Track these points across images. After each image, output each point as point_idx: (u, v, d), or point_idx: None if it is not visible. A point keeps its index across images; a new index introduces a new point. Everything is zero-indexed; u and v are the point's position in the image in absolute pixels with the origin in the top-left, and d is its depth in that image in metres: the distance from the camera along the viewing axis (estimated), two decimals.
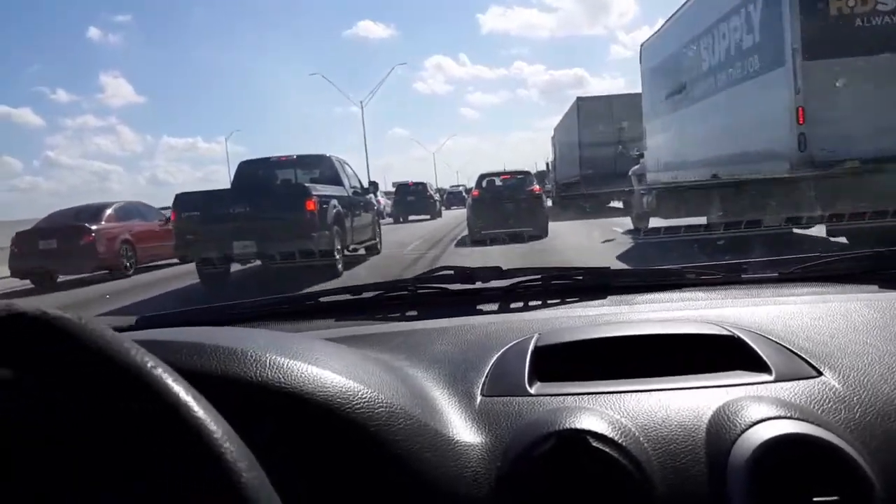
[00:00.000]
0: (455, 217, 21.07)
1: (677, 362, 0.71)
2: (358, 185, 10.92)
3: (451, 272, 1.16)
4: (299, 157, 10.38)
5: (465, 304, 1.04)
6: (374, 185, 11.39)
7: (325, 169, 9.84)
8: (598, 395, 0.66)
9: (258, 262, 8.32)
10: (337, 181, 9.63)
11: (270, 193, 8.34)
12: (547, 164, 26.09)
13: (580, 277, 1.11)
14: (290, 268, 7.96)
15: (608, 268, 1.18)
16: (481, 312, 1.02)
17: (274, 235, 7.55)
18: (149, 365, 0.38)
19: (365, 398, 0.58)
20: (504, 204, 11.58)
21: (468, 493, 0.57)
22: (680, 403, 0.64)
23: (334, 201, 8.71)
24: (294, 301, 1.15)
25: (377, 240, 11.25)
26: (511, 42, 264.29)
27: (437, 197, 26.97)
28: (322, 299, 1.11)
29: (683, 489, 0.57)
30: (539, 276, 1.10)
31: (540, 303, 1.04)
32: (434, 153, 75.66)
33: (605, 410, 0.63)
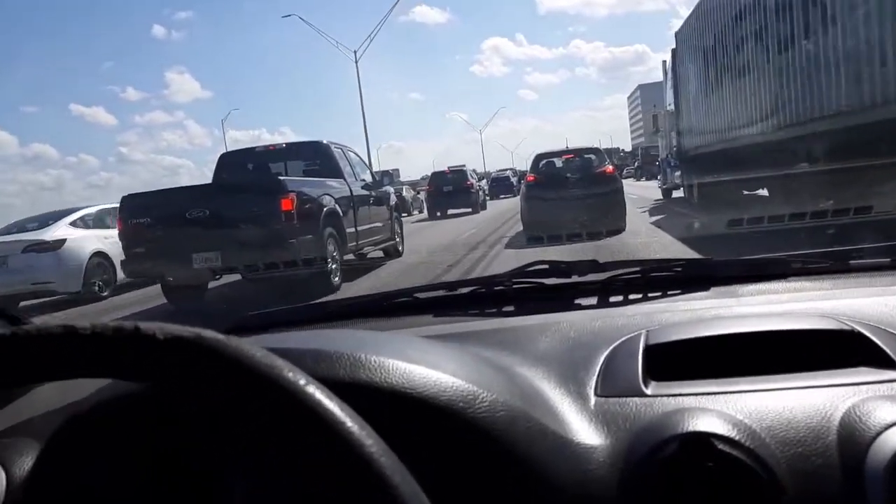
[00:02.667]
0: (501, 211, 19.13)
1: (793, 358, 0.71)
2: (368, 177, 9.66)
3: (547, 266, 1.19)
4: (289, 145, 9.16)
5: (563, 298, 1.07)
6: (387, 176, 10.08)
7: (319, 158, 8.57)
8: (717, 395, 0.66)
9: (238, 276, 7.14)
10: (335, 172, 8.35)
11: (237, 192, 6.96)
12: (656, 121, 17.71)
13: (680, 269, 1.12)
14: (276, 281, 6.77)
15: (710, 258, 1.22)
16: (580, 307, 1.03)
17: (242, 244, 6.28)
18: (317, 395, 0.41)
19: (486, 401, 0.59)
20: (568, 190, 9.69)
21: (591, 497, 0.58)
22: (805, 403, 0.63)
23: (327, 197, 7.43)
24: (389, 297, 1.19)
25: (397, 240, 10.04)
26: (568, 20, 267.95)
27: (479, 185, 23.85)
28: (417, 295, 1.16)
29: (816, 494, 0.57)
30: (638, 269, 1.12)
31: (640, 296, 1.05)
32: (481, 131, 70.98)
33: (726, 411, 0.63)
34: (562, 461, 0.59)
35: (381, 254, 9.41)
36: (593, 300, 1.05)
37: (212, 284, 7.23)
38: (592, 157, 10.66)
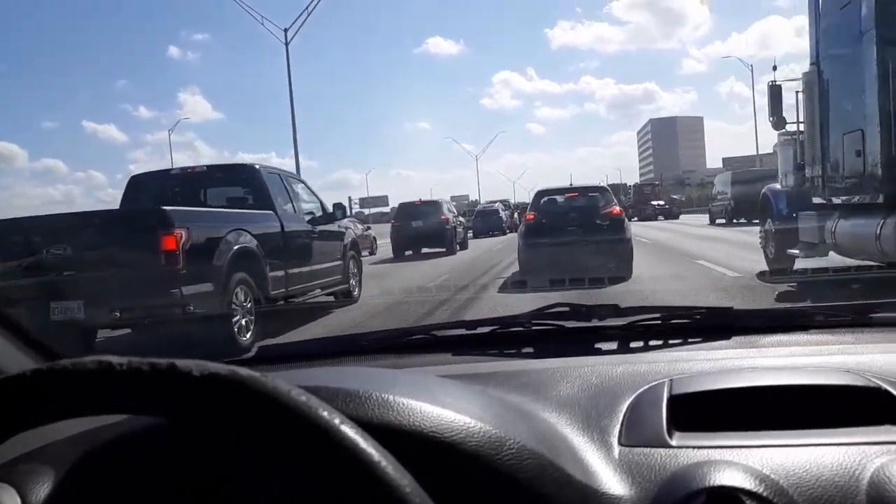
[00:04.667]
0: (484, 251, 17.82)
1: (817, 413, 0.73)
2: (316, 207, 8.66)
3: (567, 308, 1.23)
4: (211, 168, 8.14)
5: (583, 342, 1.10)
6: (339, 209, 9.07)
7: (246, 185, 7.54)
8: (742, 449, 0.68)
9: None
10: (265, 203, 7.31)
11: (109, 224, 5.82)
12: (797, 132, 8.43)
13: (701, 317, 1.15)
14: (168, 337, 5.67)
15: (731, 308, 1.22)
16: (600, 352, 1.07)
17: (111, 292, 5.18)
18: (354, 437, 0.42)
19: (513, 448, 0.60)
20: (570, 232, 9.45)
21: None
22: (832, 460, 0.65)
23: (241, 235, 6.37)
24: (407, 333, 1.25)
25: (351, 283, 9.05)
26: (580, 56, 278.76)
27: (458, 220, 20.73)
28: (435, 332, 1.20)
29: None
30: (658, 315, 1.15)
31: (661, 342, 1.08)
32: (478, 157, 70.24)
33: (752, 465, 0.65)
34: None
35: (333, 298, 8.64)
36: (613, 345, 1.09)
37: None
38: (598, 195, 10.31)
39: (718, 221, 28.74)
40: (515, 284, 9.21)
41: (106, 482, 0.60)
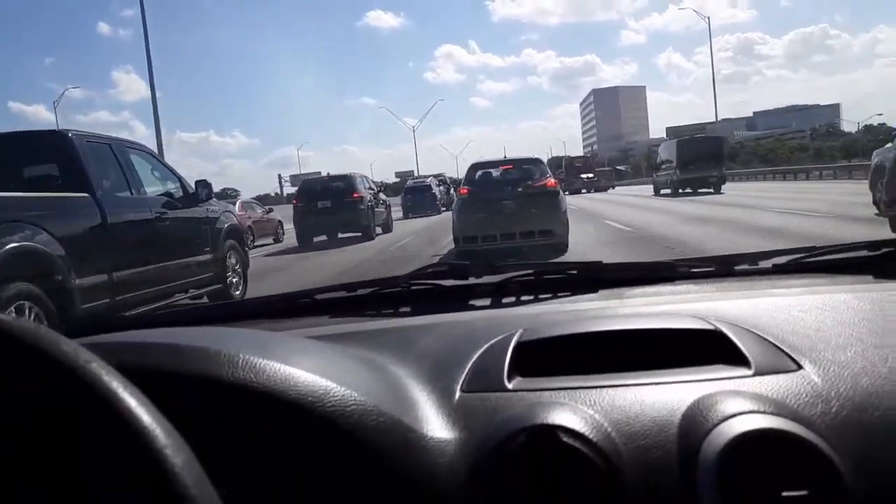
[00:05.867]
0: (409, 235, 16.00)
1: (660, 357, 0.76)
2: (175, 188, 7.14)
3: (445, 268, 1.29)
4: (4, 136, 6.25)
5: (458, 299, 1.13)
6: (204, 187, 7.37)
7: (52, 158, 5.75)
8: (574, 391, 0.71)
9: None
10: (79, 182, 5.57)
11: None
12: None
13: (573, 272, 1.22)
14: None
15: (600, 261, 1.25)
16: (473, 308, 1.10)
17: None
18: (81, 359, 0.42)
19: (336, 396, 0.63)
20: (505, 204, 9.45)
21: (441, 490, 0.62)
22: (655, 398, 0.69)
23: (25, 230, 4.68)
24: (289, 298, 1.26)
25: (233, 282, 7.61)
26: (521, 29, 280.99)
27: (373, 199, 17.35)
28: (317, 296, 1.22)
29: (654, 484, 0.62)
30: (531, 271, 1.20)
31: (532, 297, 1.11)
32: (415, 128, 67.55)
33: (579, 406, 0.68)
34: (412, 455, 0.63)
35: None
36: (486, 301, 1.12)
37: None
38: (532, 167, 10.30)
39: (663, 192, 27.92)
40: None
41: None
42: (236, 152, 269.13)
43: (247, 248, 8.57)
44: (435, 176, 34.66)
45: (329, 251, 13.81)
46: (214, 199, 7.90)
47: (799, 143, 74.06)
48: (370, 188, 18.14)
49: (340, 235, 16.24)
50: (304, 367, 0.65)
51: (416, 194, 28.06)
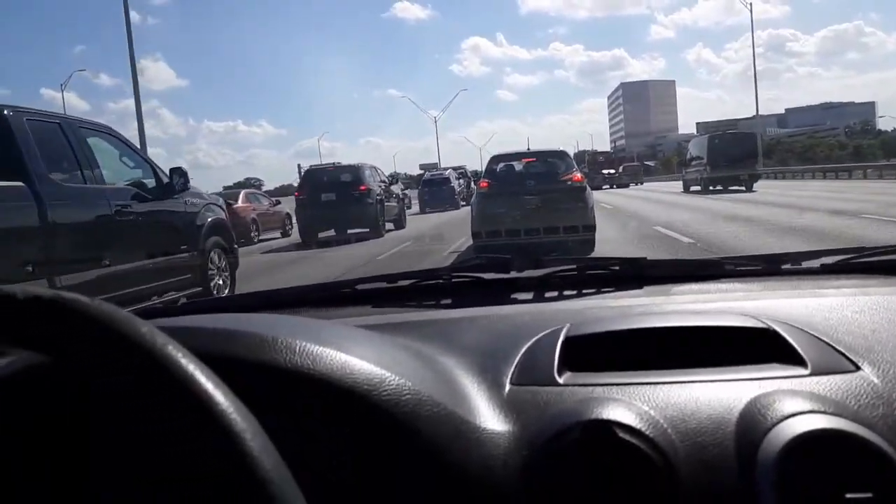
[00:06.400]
0: (427, 231, 15.02)
1: (711, 355, 0.75)
2: (146, 176, 6.36)
3: (487, 261, 1.29)
4: None
5: (500, 293, 1.12)
6: (179, 176, 6.52)
7: None
8: (627, 386, 0.70)
9: None
10: (12, 168, 4.77)
11: None
12: None
13: (616, 267, 1.19)
14: None
15: (644, 258, 1.24)
16: (515, 301, 1.09)
17: None
18: (158, 342, 0.42)
19: (392, 385, 0.63)
20: (527, 199, 8.89)
21: (494, 481, 0.62)
22: (711, 395, 0.68)
23: None
24: (331, 288, 1.31)
25: (216, 283, 6.84)
26: (549, 22, 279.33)
27: (384, 192, 15.94)
28: (358, 287, 1.22)
29: (711, 482, 0.61)
30: (574, 266, 1.19)
31: (575, 293, 1.11)
32: (436, 118, 64.51)
33: (633, 401, 0.67)
34: (466, 446, 0.63)
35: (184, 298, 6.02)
36: (529, 295, 1.11)
37: None
38: (558, 161, 9.73)
39: (693, 189, 27.09)
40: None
41: None
42: (263, 142, 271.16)
43: (236, 246, 7.72)
44: (454, 168, 32.88)
45: (334, 250, 12.83)
46: (195, 189, 7.09)
47: (838, 140, 72.01)
48: (382, 180, 16.76)
49: (349, 231, 14.99)
50: (358, 355, 0.65)
51: (433, 187, 26.45)
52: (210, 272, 6.90)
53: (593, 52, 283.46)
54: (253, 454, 0.39)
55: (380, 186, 15.85)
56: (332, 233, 14.91)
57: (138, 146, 7.39)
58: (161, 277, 6.02)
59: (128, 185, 6.07)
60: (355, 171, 15.35)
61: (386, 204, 15.78)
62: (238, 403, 0.42)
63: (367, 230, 14.59)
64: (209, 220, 6.96)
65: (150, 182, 6.36)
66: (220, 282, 7.00)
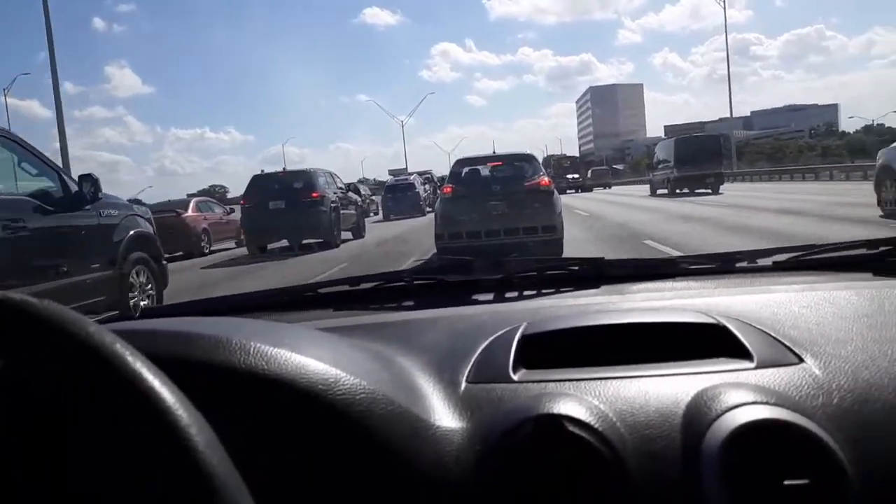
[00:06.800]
0: (388, 241, 14.36)
1: (664, 351, 0.77)
2: (52, 186, 5.64)
3: (448, 263, 1.36)
4: None
5: (461, 294, 1.14)
6: (89, 184, 5.82)
7: None
8: (579, 382, 0.72)
9: None
10: None
11: None
12: None
13: (575, 268, 1.23)
14: None
15: (602, 257, 1.26)
16: (476, 302, 1.11)
17: None
18: (107, 341, 0.43)
19: (347, 385, 0.64)
20: (493, 205, 8.65)
21: (447, 478, 0.63)
22: (659, 389, 0.70)
23: None
24: (292, 292, 1.29)
25: (134, 304, 6.05)
26: (518, 27, 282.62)
27: (339, 199, 14.76)
28: (320, 290, 1.23)
29: (658, 473, 0.63)
30: (534, 267, 1.23)
31: (535, 292, 1.13)
32: (403, 122, 64.04)
33: (584, 396, 0.69)
34: (419, 443, 0.63)
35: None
36: (489, 296, 1.12)
37: None
38: (525, 164, 9.48)
39: (660, 192, 26.93)
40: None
41: None
42: (230, 149, 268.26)
43: (164, 262, 7.04)
44: (420, 173, 31.88)
45: (281, 262, 11.94)
46: (115, 199, 6.43)
47: (806, 142, 73.24)
48: (340, 187, 15.68)
49: (303, 242, 13.56)
50: (314, 357, 0.66)
51: (397, 194, 25.44)
52: (132, 292, 6.25)
53: (562, 56, 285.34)
54: (198, 449, 0.40)
55: (335, 193, 14.83)
56: (285, 243, 13.81)
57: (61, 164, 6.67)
58: (66, 301, 5.35)
59: (25, 195, 5.39)
60: (307, 177, 14.13)
61: (342, 212, 14.80)
62: (185, 400, 0.42)
63: (320, 240, 13.49)
64: (130, 233, 6.30)
65: (58, 192, 5.68)
66: (146, 302, 6.33)
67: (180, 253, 14.69)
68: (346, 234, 15.07)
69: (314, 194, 13.59)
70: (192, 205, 16.32)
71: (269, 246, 13.73)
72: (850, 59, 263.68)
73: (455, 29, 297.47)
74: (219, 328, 0.69)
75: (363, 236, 16.04)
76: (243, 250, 14.24)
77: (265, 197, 13.56)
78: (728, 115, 52.15)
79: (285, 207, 13.25)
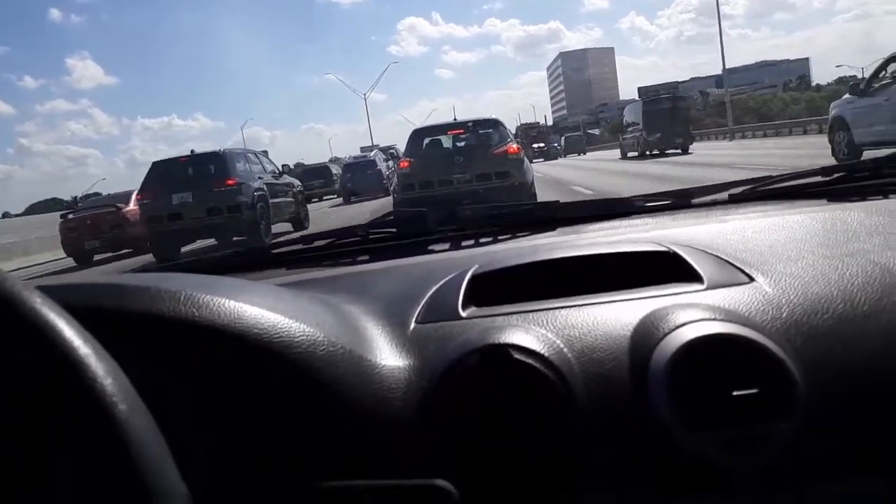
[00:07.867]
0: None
1: (616, 281, 0.78)
2: None
3: (403, 216, 1.33)
4: None
5: (417, 246, 1.14)
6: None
7: None
8: (528, 314, 0.72)
9: None
10: None
11: None
12: None
13: (531, 212, 1.24)
14: None
15: (556, 201, 1.25)
16: (432, 252, 1.10)
17: None
18: (16, 288, 0.42)
19: (283, 328, 0.63)
20: (457, 178, 8.02)
21: (394, 414, 0.63)
22: (608, 315, 0.70)
23: None
24: (246, 254, 1.28)
25: None
26: None
27: (267, 186, 11.52)
28: (274, 251, 1.22)
29: (607, 394, 0.63)
30: (489, 214, 1.24)
31: (491, 239, 1.13)
32: (366, 95, 58.80)
33: (532, 326, 0.69)
34: (364, 381, 0.64)
35: None
36: (446, 245, 1.13)
37: None
38: (490, 131, 8.73)
39: (631, 155, 26.35)
40: None
41: None
42: (200, 135, 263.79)
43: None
44: (382, 149, 29.47)
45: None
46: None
47: (791, 95, 72.09)
48: (271, 171, 12.34)
49: (221, 240, 11.04)
50: (251, 303, 0.64)
51: (356, 173, 22.56)
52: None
53: (529, 25, 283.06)
54: (110, 395, 0.40)
55: (262, 179, 11.66)
56: (210, 242, 11.46)
57: None
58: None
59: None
60: (219, 161, 11.03)
61: (274, 201, 11.74)
62: (98, 348, 0.43)
63: (244, 238, 10.79)
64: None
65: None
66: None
67: (125, 251, 12.93)
68: (284, 227, 12.94)
69: (229, 181, 10.67)
70: (132, 199, 12.84)
71: (184, 249, 11.04)
72: (815, 14, 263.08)
73: (421, 3, 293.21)
74: (154, 280, 0.68)
75: (307, 227, 13.42)
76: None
77: (168, 189, 10.65)
78: (699, 74, 50.64)
79: (193, 200, 10.51)
